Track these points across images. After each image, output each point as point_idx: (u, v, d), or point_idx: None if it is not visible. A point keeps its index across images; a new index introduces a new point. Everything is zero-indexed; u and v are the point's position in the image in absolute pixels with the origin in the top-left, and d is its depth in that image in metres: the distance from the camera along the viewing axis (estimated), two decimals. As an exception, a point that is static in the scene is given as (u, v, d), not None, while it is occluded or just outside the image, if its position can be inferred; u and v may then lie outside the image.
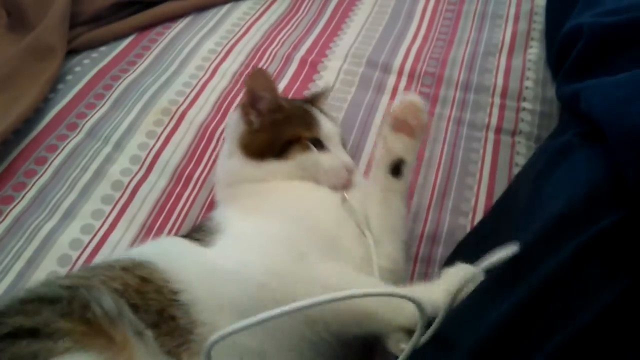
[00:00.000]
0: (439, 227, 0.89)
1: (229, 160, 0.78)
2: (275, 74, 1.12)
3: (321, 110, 0.85)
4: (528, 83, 1.14)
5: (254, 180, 0.75)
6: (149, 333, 0.55)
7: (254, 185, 0.75)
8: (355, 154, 0.98)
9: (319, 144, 0.77)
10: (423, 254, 0.86)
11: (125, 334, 0.54)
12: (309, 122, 0.79)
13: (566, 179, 0.61)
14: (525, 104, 1.09)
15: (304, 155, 0.76)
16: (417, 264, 0.84)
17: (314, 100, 0.89)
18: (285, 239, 0.66)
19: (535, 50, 1.21)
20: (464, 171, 0.98)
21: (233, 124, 0.81)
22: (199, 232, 0.70)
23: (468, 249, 0.81)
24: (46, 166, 0.91)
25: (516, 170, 0.99)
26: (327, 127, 0.79)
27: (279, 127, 0.77)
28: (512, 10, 1.32)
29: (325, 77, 1.12)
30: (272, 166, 0.76)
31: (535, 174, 0.72)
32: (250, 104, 0.78)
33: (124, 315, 0.55)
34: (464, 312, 0.59)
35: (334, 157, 0.77)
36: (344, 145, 0.83)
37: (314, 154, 0.76)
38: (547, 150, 0.80)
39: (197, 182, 0.93)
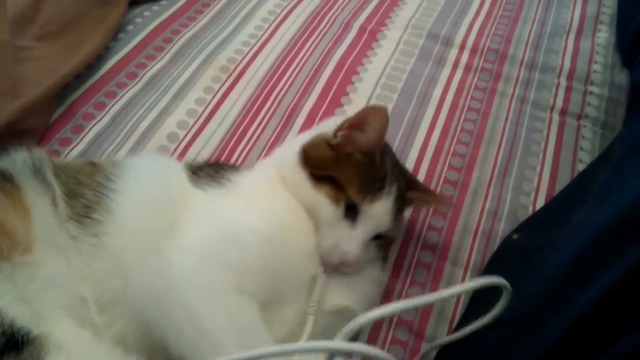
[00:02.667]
0: (500, 203, 0.87)
1: (291, 146, 0.75)
2: (333, 40, 1.11)
3: (402, 197, 0.72)
4: (596, 67, 1.10)
5: (283, 177, 0.71)
6: (61, 195, 0.58)
7: (279, 182, 0.71)
8: (412, 127, 0.97)
9: (352, 211, 0.67)
10: (484, 229, 0.84)
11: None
12: (369, 188, 0.68)
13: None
14: (593, 88, 1.06)
15: (325, 202, 0.67)
16: (477, 238, 0.83)
17: (416, 186, 0.77)
18: (249, 249, 0.61)
19: (605, 35, 1.17)
20: (526, 150, 0.96)
21: (326, 126, 0.76)
22: (208, 169, 0.70)
23: (534, 223, 0.80)
24: (105, 112, 0.91)
25: (581, 154, 0.96)
26: (377, 211, 0.68)
27: (345, 162, 0.69)
28: (581, -8, 1.29)
29: (385, 47, 1.10)
30: (301, 179, 0.69)
31: (614, 159, 0.70)
32: (351, 126, 0.69)
33: (41, 175, 0.59)
34: (544, 295, 0.57)
35: (341, 237, 0.66)
36: (378, 238, 0.71)
37: (332, 213, 0.67)
38: (628, 136, 0.78)
39: (250, 138, 0.92)
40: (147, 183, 0.65)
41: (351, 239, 0.66)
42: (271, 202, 0.68)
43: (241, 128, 0.93)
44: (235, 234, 0.61)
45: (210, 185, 0.67)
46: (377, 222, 0.68)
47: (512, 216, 0.86)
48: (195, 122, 0.92)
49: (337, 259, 0.66)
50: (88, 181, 0.61)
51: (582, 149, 0.98)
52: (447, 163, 0.92)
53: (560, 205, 0.78)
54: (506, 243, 0.80)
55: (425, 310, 0.74)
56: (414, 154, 0.93)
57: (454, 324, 0.74)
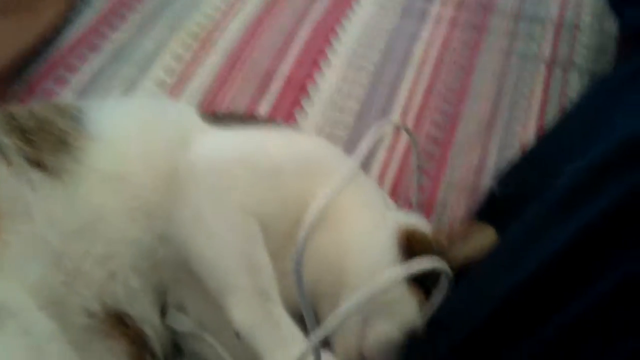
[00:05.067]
0: (485, 158, 0.86)
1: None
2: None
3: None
4: (584, 15, 1.07)
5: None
6: (10, 143, 0.55)
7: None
8: (394, 86, 0.94)
9: None
10: (469, 184, 0.83)
11: None
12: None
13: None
14: (581, 37, 1.04)
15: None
16: (462, 194, 0.82)
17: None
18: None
19: (593, -20, 1.14)
20: (513, 104, 0.94)
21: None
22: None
23: (516, 173, 0.78)
24: (67, 87, 0.88)
25: (567, 104, 0.94)
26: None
27: None
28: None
29: (364, 5, 1.07)
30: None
31: (601, 98, 0.69)
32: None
33: None
34: (524, 233, 0.56)
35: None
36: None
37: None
38: (615, 77, 0.76)
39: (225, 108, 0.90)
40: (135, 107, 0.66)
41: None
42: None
43: (215, 97, 0.91)
44: (254, 157, 0.61)
45: (237, 125, 0.66)
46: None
47: (497, 170, 0.84)
48: (166, 93, 0.90)
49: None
50: (56, 114, 0.60)
51: (569, 98, 0.95)
52: (432, 121, 0.90)
53: (543, 153, 0.76)
54: (489, 196, 0.79)
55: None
56: (397, 111, 0.91)
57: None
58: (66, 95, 0.87)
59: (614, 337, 0.39)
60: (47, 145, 0.57)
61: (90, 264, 0.55)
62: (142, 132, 0.62)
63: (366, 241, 0.62)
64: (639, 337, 0.37)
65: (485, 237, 0.62)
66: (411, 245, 0.62)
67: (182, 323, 0.61)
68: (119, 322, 0.57)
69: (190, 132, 0.63)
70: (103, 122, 0.61)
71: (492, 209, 0.75)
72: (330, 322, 0.50)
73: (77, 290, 0.54)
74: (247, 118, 0.71)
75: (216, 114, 0.70)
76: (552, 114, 0.93)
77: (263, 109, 0.90)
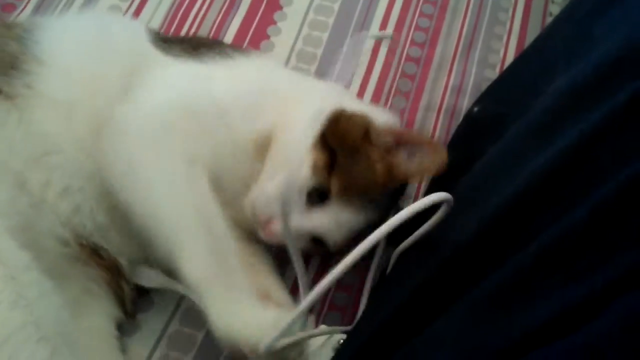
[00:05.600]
0: (464, 78, 0.85)
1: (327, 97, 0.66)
2: None
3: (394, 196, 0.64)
4: None
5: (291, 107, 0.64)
6: None
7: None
8: (372, 1, 0.90)
9: (316, 197, 0.59)
10: (448, 105, 0.82)
11: None
12: (353, 195, 0.59)
13: (622, 19, 0.56)
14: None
15: (306, 165, 0.59)
16: (441, 115, 0.81)
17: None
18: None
19: None
20: (492, 19, 0.92)
21: (375, 112, 0.66)
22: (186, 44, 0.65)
23: (495, 92, 0.77)
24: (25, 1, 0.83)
25: (550, 21, 0.92)
26: (340, 219, 0.59)
27: (362, 159, 0.60)
28: None
29: None
30: (309, 130, 0.61)
31: (581, 14, 0.67)
32: (402, 142, 0.61)
33: None
34: (503, 159, 0.56)
35: (290, 205, 0.57)
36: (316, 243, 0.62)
37: (302, 180, 0.58)
38: None
39: (195, 19, 0.85)
40: (82, 29, 0.62)
41: (297, 216, 0.58)
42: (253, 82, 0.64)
43: (180, 12, 0.86)
44: (197, 105, 0.58)
45: (187, 55, 0.62)
46: (331, 228, 0.59)
47: (476, 91, 0.84)
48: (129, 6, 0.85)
49: (261, 217, 0.59)
50: (5, 35, 0.58)
51: (551, 14, 0.94)
52: (410, 38, 0.88)
53: (522, 72, 0.75)
54: (468, 117, 0.79)
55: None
56: (375, 28, 0.88)
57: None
58: (26, 8, 0.81)
59: (606, 252, 0.39)
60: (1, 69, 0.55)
61: (52, 195, 0.55)
62: (91, 59, 0.59)
63: (299, 116, 0.62)
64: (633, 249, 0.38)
65: (434, 158, 0.59)
66: (337, 123, 0.61)
67: (150, 279, 0.60)
68: (93, 253, 0.58)
69: (140, 61, 0.60)
70: (51, 46, 0.58)
71: (472, 129, 0.76)
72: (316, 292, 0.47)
73: (45, 216, 0.54)
74: (200, 44, 0.67)
75: (168, 39, 0.66)
76: (533, 31, 0.91)
77: (234, 25, 0.86)
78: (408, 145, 0.60)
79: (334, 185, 0.59)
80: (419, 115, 0.81)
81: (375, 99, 0.81)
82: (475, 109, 0.77)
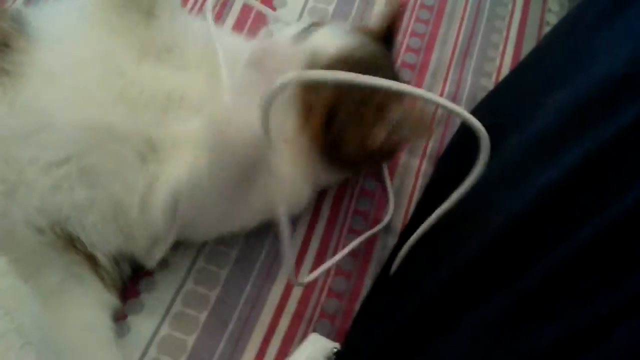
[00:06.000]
0: (459, 87, 0.84)
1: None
2: None
3: None
4: None
5: None
6: None
7: None
8: (366, 4, 0.89)
9: None
10: (442, 114, 0.79)
11: None
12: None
13: (625, 33, 0.55)
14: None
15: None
16: (436, 125, 0.79)
17: None
18: None
19: None
20: (489, 27, 0.91)
21: None
22: None
23: (492, 103, 0.76)
24: None
25: (547, 30, 0.92)
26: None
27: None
28: None
29: None
30: None
31: (582, 26, 0.66)
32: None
33: None
34: (503, 174, 0.55)
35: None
36: None
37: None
38: (595, 2, 0.73)
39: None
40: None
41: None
42: None
43: None
44: None
45: None
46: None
47: (472, 100, 0.82)
48: None
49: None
50: None
51: (548, 23, 0.93)
52: (405, 45, 0.86)
53: (521, 82, 0.74)
54: (463, 126, 0.77)
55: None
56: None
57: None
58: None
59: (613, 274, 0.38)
60: None
61: (34, 172, 0.53)
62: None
63: None
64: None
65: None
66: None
67: None
68: (69, 243, 0.56)
69: None
70: (46, 23, 0.57)
71: (467, 140, 0.74)
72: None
73: (19, 202, 0.53)
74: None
75: None
76: (530, 39, 0.90)
77: None
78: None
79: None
80: (413, 124, 0.80)
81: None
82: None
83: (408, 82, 0.61)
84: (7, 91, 0.52)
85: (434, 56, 0.86)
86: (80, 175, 0.55)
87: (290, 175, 0.61)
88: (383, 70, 0.63)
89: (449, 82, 0.84)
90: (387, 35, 0.68)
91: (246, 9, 0.85)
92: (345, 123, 0.60)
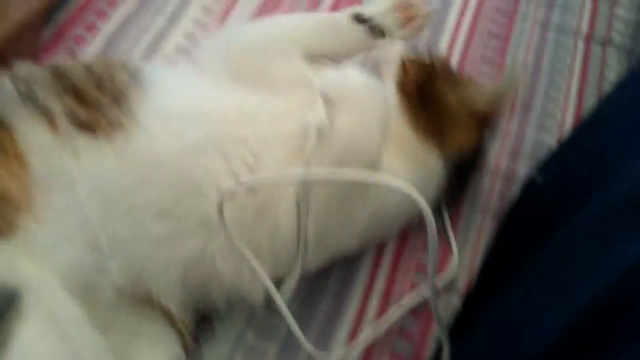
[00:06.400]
0: (522, 143, 0.82)
1: None
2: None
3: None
4: (622, -12, 1.03)
5: None
6: (58, 107, 0.52)
7: None
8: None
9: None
10: (504, 170, 0.79)
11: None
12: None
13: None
14: (620, 11, 0.99)
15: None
16: (497, 180, 0.78)
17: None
18: None
19: (633, -53, 1.08)
20: (549, 82, 0.90)
21: None
22: None
23: (558, 163, 0.73)
24: (97, 34, 0.81)
25: (606, 85, 0.91)
26: None
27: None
28: None
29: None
30: None
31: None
32: None
33: (32, 98, 0.52)
34: (587, 240, 0.52)
35: None
36: None
37: None
38: None
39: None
40: None
41: None
42: None
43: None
44: None
45: None
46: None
47: (534, 156, 0.81)
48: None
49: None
50: (112, 69, 0.56)
51: (607, 78, 0.92)
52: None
53: (586, 142, 0.72)
54: (529, 186, 0.75)
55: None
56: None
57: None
58: (96, 43, 0.81)
59: None
60: (104, 101, 0.53)
61: (145, 221, 0.52)
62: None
63: None
64: None
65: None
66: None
67: None
68: (146, 300, 0.54)
69: None
70: (163, 76, 0.59)
71: (534, 201, 0.72)
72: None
73: (108, 271, 0.51)
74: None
75: None
76: (591, 95, 0.89)
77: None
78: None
79: None
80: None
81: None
82: (537, 178, 0.73)
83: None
84: (117, 146, 0.52)
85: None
86: (198, 221, 0.53)
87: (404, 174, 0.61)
88: None
89: (510, 137, 0.83)
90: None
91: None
92: (442, 90, 0.65)
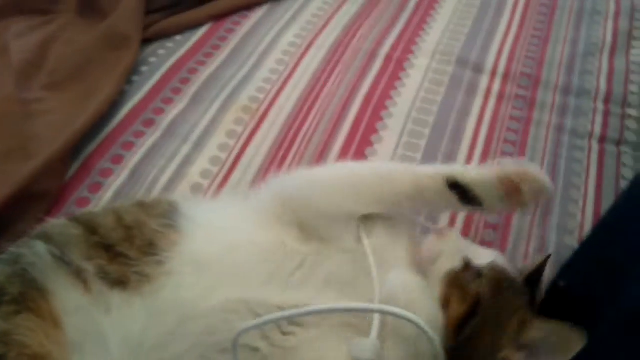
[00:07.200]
0: (544, 245, 0.85)
1: None
2: (359, 71, 1.08)
3: None
4: (633, 87, 1.08)
5: None
6: (90, 268, 0.55)
7: None
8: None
9: None
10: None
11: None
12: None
13: None
14: (631, 111, 1.04)
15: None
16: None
17: None
18: None
19: (639, 52, 1.15)
20: (567, 184, 0.94)
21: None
22: None
23: (580, 268, 0.76)
24: (123, 165, 0.88)
25: (623, 184, 0.94)
26: None
27: None
28: (612, 7, 1.27)
29: (413, 76, 1.08)
30: None
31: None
32: None
33: (65, 261, 0.55)
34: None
35: None
36: None
37: None
38: None
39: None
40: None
41: None
42: None
43: (270, 173, 0.90)
44: None
45: None
46: None
47: (557, 257, 0.82)
48: (220, 170, 0.90)
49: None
50: (143, 216, 0.60)
51: (623, 177, 0.96)
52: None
53: (605, 246, 0.75)
54: (554, 291, 0.77)
55: None
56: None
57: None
58: (122, 173, 0.87)
59: None
60: (133, 255, 0.57)
61: None
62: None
63: None
64: None
65: (572, 342, 0.56)
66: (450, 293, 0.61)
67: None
68: None
69: None
70: (196, 211, 0.63)
71: (559, 307, 0.74)
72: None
73: None
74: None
75: None
76: (608, 194, 0.92)
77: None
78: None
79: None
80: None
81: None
82: (562, 283, 0.76)
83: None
84: (146, 298, 0.55)
85: (516, 215, 0.88)
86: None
87: None
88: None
89: (532, 239, 0.86)
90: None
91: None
92: (482, 324, 0.59)
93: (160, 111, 0.97)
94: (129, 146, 0.91)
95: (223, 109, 0.99)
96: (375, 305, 0.55)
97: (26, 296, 0.53)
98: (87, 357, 0.52)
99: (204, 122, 0.96)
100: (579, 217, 0.90)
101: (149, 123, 0.95)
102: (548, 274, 0.81)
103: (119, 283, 0.55)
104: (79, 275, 0.55)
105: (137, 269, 0.56)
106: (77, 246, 0.57)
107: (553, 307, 0.76)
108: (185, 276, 0.56)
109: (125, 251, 0.57)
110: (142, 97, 0.99)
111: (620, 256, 0.68)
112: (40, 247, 0.57)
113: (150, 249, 0.57)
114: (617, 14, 1.25)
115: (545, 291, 0.79)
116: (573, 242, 0.86)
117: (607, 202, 0.91)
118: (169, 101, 0.99)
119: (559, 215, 0.89)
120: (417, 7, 1.26)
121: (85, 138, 0.90)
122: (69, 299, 0.54)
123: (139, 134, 0.93)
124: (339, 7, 1.23)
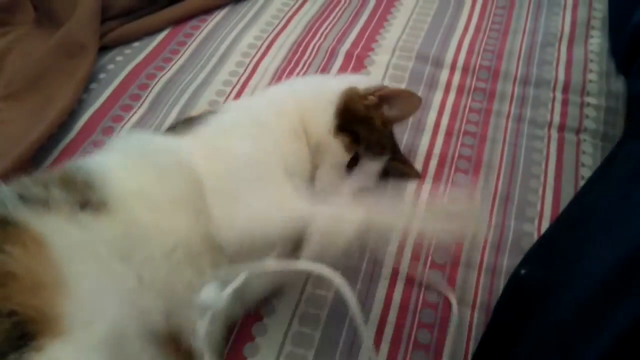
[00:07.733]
0: (503, 234, 0.86)
1: (323, 89, 0.86)
2: (319, 69, 1.10)
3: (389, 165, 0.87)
4: (591, 76, 1.10)
5: (303, 115, 0.81)
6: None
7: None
8: (409, 156, 0.95)
9: (353, 163, 0.80)
10: (487, 264, 0.83)
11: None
12: (373, 149, 0.82)
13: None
14: (589, 99, 1.06)
15: (340, 149, 0.79)
16: (482, 274, 0.81)
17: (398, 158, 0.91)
18: None
19: (597, 40, 1.17)
20: (526, 173, 0.96)
21: (352, 80, 0.87)
22: None
23: (540, 255, 0.77)
24: None
25: (583, 171, 0.96)
26: (371, 170, 0.82)
27: (367, 121, 0.81)
28: (570, -3, 1.29)
29: (374, 72, 1.09)
30: (328, 123, 0.80)
31: (622, 179, 0.68)
32: (384, 98, 0.82)
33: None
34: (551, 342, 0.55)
35: (338, 180, 0.80)
36: None
37: (340, 159, 0.79)
38: (632, 154, 0.76)
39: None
40: None
41: (345, 184, 0.79)
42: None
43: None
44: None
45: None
46: (367, 179, 0.82)
47: (516, 246, 0.85)
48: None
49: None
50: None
51: (583, 165, 0.97)
52: (446, 195, 0.91)
53: (565, 233, 0.77)
54: (514, 279, 0.79)
55: None
56: (412, 184, 0.92)
57: None
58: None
59: None
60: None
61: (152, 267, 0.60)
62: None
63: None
64: None
65: (411, 102, 0.82)
66: (346, 105, 0.80)
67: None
68: (172, 341, 0.60)
69: None
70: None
71: (520, 295, 0.75)
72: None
73: (144, 322, 0.58)
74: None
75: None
76: (568, 182, 0.94)
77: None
78: (389, 98, 0.82)
79: (363, 151, 0.80)
80: (460, 275, 0.81)
81: (416, 255, 0.83)
82: (522, 271, 0.77)
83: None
84: (114, 217, 0.60)
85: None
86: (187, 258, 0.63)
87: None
88: None
89: (492, 230, 0.87)
90: None
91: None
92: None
93: (119, 118, 0.98)
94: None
95: (183, 113, 0.99)
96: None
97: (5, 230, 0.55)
98: (79, 267, 0.54)
99: (164, 128, 0.95)
100: (538, 205, 0.91)
101: (109, 131, 0.95)
102: (510, 264, 0.84)
103: (86, 204, 0.59)
104: (46, 204, 0.58)
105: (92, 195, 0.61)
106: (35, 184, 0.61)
107: (513, 294, 0.78)
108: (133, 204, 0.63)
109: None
110: (101, 105, 0.99)
111: (576, 240, 0.70)
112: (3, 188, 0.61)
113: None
114: (575, 4, 1.27)
115: (507, 281, 0.81)
116: (532, 230, 0.87)
117: (567, 190, 0.93)
118: (127, 108, 0.99)
119: (518, 204, 0.91)
120: (378, 4, 1.28)
121: (44, 148, 0.90)
122: (45, 223, 0.56)
123: (99, 143, 0.93)
124: (299, 8, 1.25)
